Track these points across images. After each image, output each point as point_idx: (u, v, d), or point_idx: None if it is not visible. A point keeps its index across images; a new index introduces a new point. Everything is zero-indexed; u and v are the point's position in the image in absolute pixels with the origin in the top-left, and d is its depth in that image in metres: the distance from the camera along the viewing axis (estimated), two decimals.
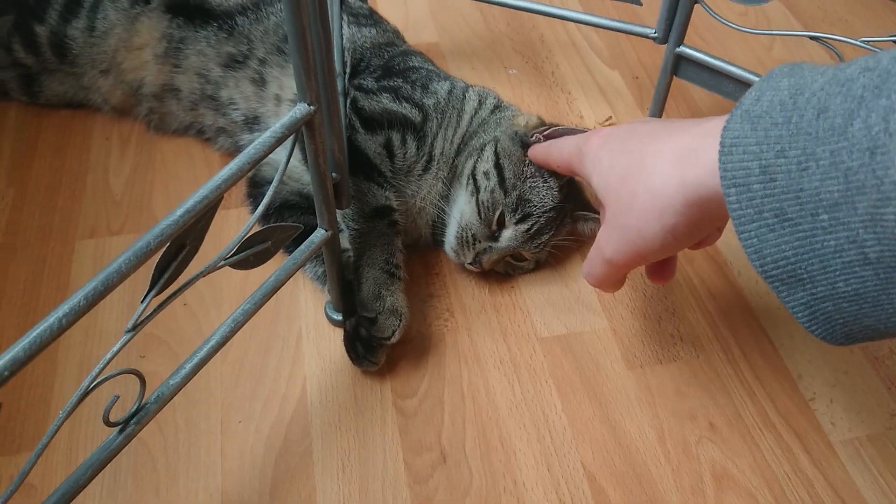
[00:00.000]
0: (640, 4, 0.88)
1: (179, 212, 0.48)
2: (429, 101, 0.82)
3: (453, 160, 0.82)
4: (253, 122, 0.88)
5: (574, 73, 1.08)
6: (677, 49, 0.86)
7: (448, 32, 1.14)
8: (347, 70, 0.86)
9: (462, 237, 0.78)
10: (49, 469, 0.67)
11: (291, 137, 0.56)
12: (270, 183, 0.57)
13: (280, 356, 0.76)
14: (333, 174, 0.65)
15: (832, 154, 0.38)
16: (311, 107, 0.56)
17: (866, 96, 0.37)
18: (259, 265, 0.60)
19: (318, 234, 0.67)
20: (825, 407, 0.73)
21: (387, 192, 0.78)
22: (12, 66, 0.95)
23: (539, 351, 0.77)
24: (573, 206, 0.81)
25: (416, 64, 0.88)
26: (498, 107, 0.87)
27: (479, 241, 0.78)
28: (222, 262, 0.55)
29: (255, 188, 0.86)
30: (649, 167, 0.53)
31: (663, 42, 0.87)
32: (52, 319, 0.43)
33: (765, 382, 0.75)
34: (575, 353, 0.77)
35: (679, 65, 0.89)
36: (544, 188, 0.78)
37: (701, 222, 0.52)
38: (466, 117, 0.84)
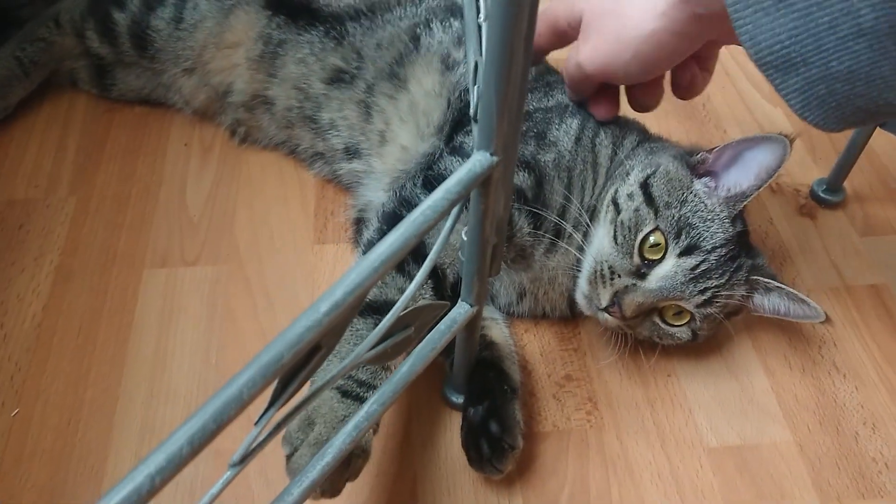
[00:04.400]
0: None
1: (324, 308, 0.34)
2: (547, 157, 0.63)
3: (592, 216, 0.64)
4: (354, 154, 0.74)
5: (729, 106, 0.91)
6: None
7: None
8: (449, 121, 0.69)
9: (596, 272, 0.60)
10: None
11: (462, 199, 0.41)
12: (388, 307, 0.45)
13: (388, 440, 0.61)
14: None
15: None
16: (494, 157, 0.41)
17: None
18: (397, 357, 0.46)
19: (463, 311, 0.52)
20: None
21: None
22: (84, 55, 0.82)
23: (706, 465, 0.61)
24: (750, 263, 0.63)
25: (533, 105, 0.68)
26: (643, 141, 0.69)
27: (619, 276, 0.59)
28: (361, 359, 0.41)
29: (361, 223, 0.71)
30: None
31: None
32: (140, 479, 0.28)
33: None
34: (752, 473, 0.61)
35: None
36: (711, 216, 0.60)
37: (684, 28, 0.51)
38: (602, 170, 0.65)
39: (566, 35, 0.61)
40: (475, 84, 0.47)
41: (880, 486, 0.61)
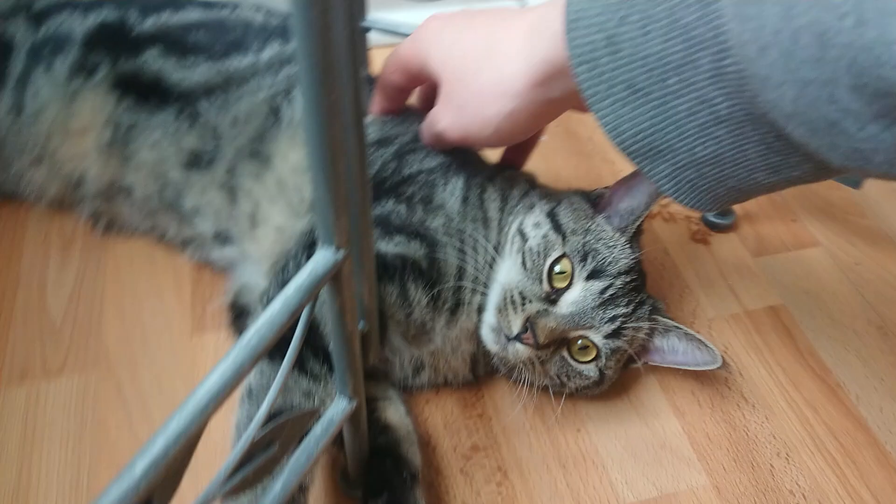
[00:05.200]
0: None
1: (141, 465, 0.29)
2: (436, 223, 0.60)
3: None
4: (225, 240, 0.69)
5: None
6: None
7: None
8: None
9: (506, 299, 0.57)
10: None
11: (310, 303, 0.37)
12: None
13: None
14: (360, 323, 0.46)
15: (669, 12, 0.38)
16: (341, 251, 0.37)
17: None
18: (262, 480, 0.41)
19: (339, 409, 0.47)
20: None
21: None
22: None
23: None
24: (652, 301, 0.62)
25: (416, 168, 0.63)
26: (532, 189, 0.66)
27: (530, 301, 0.57)
28: (214, 496, 0.36)
29: (240, 317, 0.66)
30: (500, 44, 0.51)
31: None
32: None
33: None
34: None
35: None
36: (614, 243, 0.59)
37: (542, 110, 0.51)
38: (494, 224, 0.63)
39: (418, 79, 0.60)
40: None
41: None
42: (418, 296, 0.58)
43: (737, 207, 0.81)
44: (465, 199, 0.62)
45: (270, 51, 0.71)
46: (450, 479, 0.60)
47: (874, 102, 0.31)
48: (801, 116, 0.34)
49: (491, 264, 0.61)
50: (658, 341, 0.62)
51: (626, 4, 0.40)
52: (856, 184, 0.69)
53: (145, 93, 0.69)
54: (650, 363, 0.63)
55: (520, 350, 0.57)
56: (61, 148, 0.71)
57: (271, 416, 0.51)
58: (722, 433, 0.64)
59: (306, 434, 0.46)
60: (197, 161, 0.67)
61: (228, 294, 0.68)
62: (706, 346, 0.59)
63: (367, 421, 0.53)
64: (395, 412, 0.60)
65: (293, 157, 0.65)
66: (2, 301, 0.70)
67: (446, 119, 0.56)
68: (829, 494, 0.61)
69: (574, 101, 0.49)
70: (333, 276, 0.38)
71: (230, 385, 0.32)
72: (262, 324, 0.34)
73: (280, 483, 0.44)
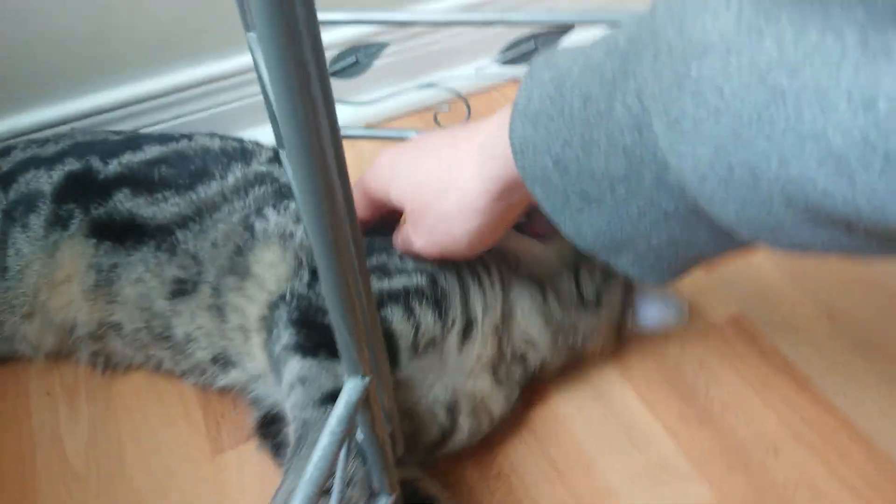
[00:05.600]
0: None
1: None
2: (429, 265, 0.67)
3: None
4: (225, 362, 0.72)
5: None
6: None
7: None
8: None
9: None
10: None
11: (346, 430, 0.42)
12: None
13: None
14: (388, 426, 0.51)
15: (608, 136, 0.41)
16: (366, 378, 0.43)
17: (617, 79, 0.40)
18: None
19: None
20: None
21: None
22: None
23: None
24: None
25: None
26: None
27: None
28: None
29: (268, 426, 0.70)
30: (453, 169, 0.55)
31: None
32: None
33: None
34: None
35: None
36: None
37: (506, 216, 0.55)
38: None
39: (384, 208, 0.65)
40: None
41: None
42: (423, 311, 0.64)
43: None
44: None
45: (233, 175, 0.76)
46: None
47: (807, 213, 0.35)
48: (744, 224, 0.38)
49: (502, 281, 0.69)
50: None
51: (566, 129, 0.43)
52: None
53: (122, 233, 0.73)
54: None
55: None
56: (50, 300, 0.74)
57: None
58: (714, 443, 0.71)
59: None
60: (182, 289, 0.72)
61: (253, 413, 0.72)
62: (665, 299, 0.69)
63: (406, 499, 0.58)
64: (427, 485, 0.65)
65: (268, 256, 0.70)
66: (23, 462, 0.72)
67: (420, 241, 0.61)
68: (817, 480, 0.68)
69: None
70: (365, 399, 0.43)
71: None
72: (318, 458, 0.39)
73: None
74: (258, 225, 0.72)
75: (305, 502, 0.37)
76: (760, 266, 0.86)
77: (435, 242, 0.60)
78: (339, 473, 0.43)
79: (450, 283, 0.66)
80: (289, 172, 0.48)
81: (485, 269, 0.69)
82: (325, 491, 0.51)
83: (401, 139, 0.90)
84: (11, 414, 0.76)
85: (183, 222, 0.73)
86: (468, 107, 1.11)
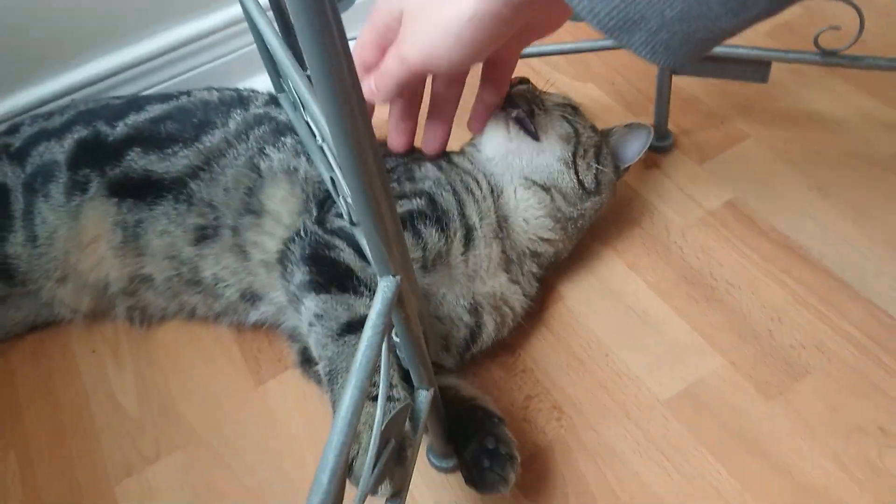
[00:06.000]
0: None
1: (325, 477, 0.38)
2: (426, 185, 0.72)
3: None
4: (252, 297, 0.77)
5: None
6: None
7: None
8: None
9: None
10: None
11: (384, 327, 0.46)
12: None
13: None
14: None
15: None
16: (398, 277, 0.47)
17: None
18: (399, 472, 0.50)
19: (423, 397, 0.57)
20: None
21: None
22: None
23: (670, 417, 0.69)
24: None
25: (391, 164, 0.76)
26: None
27: None
28: (365, 496, 0.45)
29: (308, 360, 0.74)
30: None
31: None
32: None
33: None
34: (708, 407, 0.69)
35: None
36: None
37: (503, 13, 0.53)
38: (479, 172, 0.76)
39: (389, 38, 0.63)
40: (339, 195, 0.53)
41: (805, 365, 0.71)
42: (429, 232, 0.68)
43: (671, 125, 0.92)
44: (440, 167, 0.74)
45: (234, 121, 0.79)
46: (517, 430, 0.70)
47: None
48: None
49: (492, 191, 0.74)
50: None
51: None
52: (762, 78, 0.80)
53: (140, 190, 0.77)
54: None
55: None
56: (80, 261, 0.79)
57: None
58: (722, 318, 0.75)
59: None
60: (204, 235, 0.76)
61: (294, 347, 0.76)
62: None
63: (449, 403, 0.62)
64: (466, 388, 0.69)
65: (279, 193, 0.74)
66: (81, 417, 0.77)
67: (408, 42, 0.59)
68: (823, 337, 0.72)
69: (534, 10, 0.56)
70: (398, 300, 0.47)
71: (363, 393, 0.42)
72: (366, 347, 0.43)
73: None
74: (263, 164, 0.76)
75: (359, 386, 0.42)
76: (751, 151, 0.90)
77: (424, 39, 0.57)
78: (383, 367, 0.47)
79: (447, 199, 0.71)
80: (306, 95, 0.50)
81: (475, 182, 0.73)
82: (372, 397, 0.56)
83: None
84: (63, 373, 0.81)
85: (194, 173, 0.77)
86: None
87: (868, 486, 0.63)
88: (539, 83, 0.80)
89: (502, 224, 0.73)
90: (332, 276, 0.65)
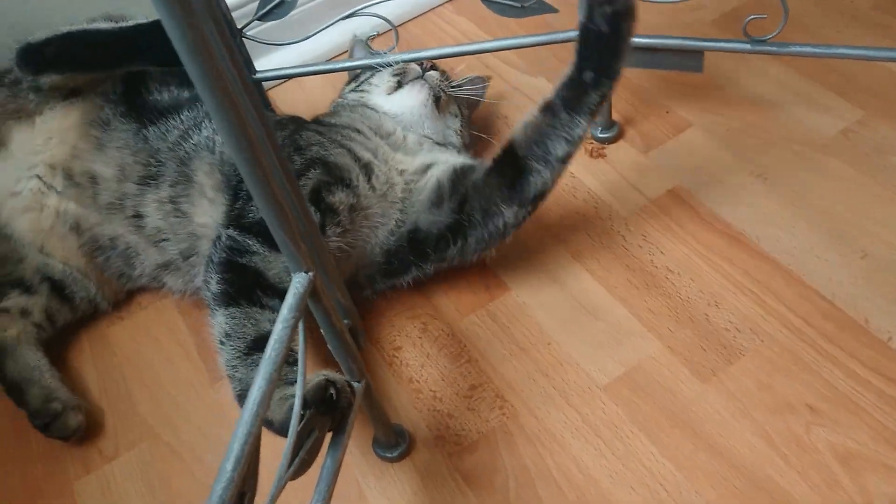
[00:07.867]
0: (557, 11, 0.83)
1: (229, 466, 0.40)
2: (312, 151, 0.77)
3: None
4: (195, 258, 0.80)
5: (502, 93, 1.02)
6: None
7: None
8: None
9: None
10: None
11: (302, 318, 0.48)
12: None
13: None
14: (346, 321, 0.58)
15: None
16: (309, 273, 0.49)
17: None
18: (314, 460, 0.53)
19: (356, 391, 0.59)
20: None
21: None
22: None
23: (608, 401, 0.71)
24: None
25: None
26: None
27: None
28: (285, 482, 0.47)
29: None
30: None
31: None
32: None
33: (837, 341, 0.71)
34: (644, 389, 0.71)
35: None
36: None
37: None
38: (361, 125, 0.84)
39: None
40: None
41: (739, 347, 0.73)
42: (338, 197, 0.73)
43: (616, 115, 0.94)
44: (318, 132, 0.80)
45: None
46: (462, 419, 0.72)
47: None
48: None
49: (376, 133, 0.82)
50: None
51: None
52: (697, 67, 0.81)
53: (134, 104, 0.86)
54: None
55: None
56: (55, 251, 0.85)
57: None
58: (661, 304, 0.77)
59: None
60: (148, 179, 0.81)
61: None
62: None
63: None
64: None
65: (204, 167, 0.79)
66: None
67: None
68: (759, 321, 0.74)
69: None
70: (312, 293, 0.49)
71: (271, 385, 0.44)
72: (275, 341, 0.46)
73: (329, 462, 0.55)
74: (194, 137, 0.81)
75: (267, 378, 0.44)
76: (695, 138, 0.91)
77: None
78: (300, 356, 0.49)
79: (337, 154, 0.76)
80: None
81: (355, 131, 0.80)
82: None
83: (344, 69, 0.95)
84: None
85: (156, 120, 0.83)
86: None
87: (794, 461, 0.65)
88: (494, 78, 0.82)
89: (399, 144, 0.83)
90: (241, 285, 0.67)
